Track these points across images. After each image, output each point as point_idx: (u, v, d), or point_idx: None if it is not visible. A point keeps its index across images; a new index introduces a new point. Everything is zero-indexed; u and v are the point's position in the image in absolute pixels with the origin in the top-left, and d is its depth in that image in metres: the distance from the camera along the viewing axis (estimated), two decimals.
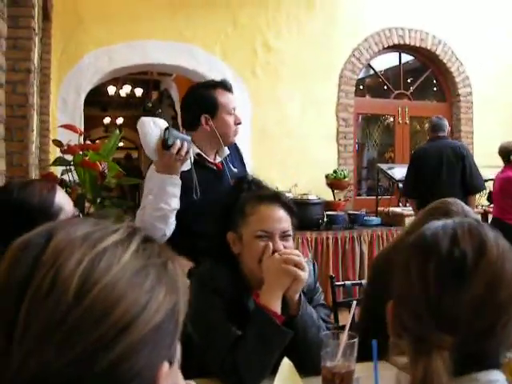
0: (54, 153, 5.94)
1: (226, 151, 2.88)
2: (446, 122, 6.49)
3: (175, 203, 2.53)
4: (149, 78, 12.38)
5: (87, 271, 0.69)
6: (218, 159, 2.87)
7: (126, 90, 13.17)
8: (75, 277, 0.68)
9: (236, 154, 3.02)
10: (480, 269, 1.02)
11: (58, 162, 2.78)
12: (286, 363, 1.75)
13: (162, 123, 2.52)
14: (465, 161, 6.09)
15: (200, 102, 2.80)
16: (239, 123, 2.87)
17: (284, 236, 2.02)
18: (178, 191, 2.53)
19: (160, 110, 13.55)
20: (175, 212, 2.55)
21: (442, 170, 6.06)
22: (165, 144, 2.43)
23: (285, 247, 2.00)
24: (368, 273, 2.58)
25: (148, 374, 0.71)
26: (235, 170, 2.89)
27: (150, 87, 13.29)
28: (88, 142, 3.43)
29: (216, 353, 1.89)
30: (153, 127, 2.48)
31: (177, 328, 0.77)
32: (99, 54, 6.64)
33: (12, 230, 1.44)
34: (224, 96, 2.81)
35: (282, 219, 2.03)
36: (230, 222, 2.06)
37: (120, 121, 16.92)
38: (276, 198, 2.06)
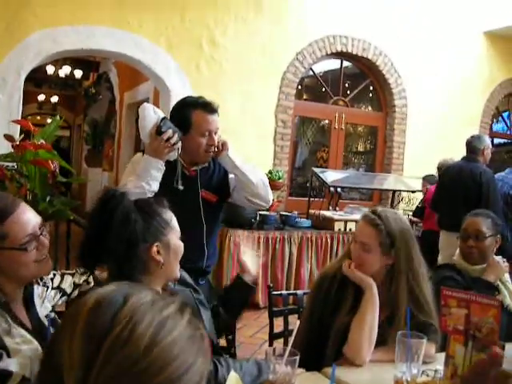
0: None
1: (204, 164, 3.05)
2: (479, 143, 6.08)
3: (155, 186, 2.78)
4: (89, 59, 12.19)
5: (156, 331, 0.85)
6: (195, 167, 3.02)
7: (65, 70, 12.91)
8: (147, 334, 0.84)
9: (222, 172, 3.14)
10: None
11: (10, 157, 2.76)
12: (232, 376, 1.85)
13: (161, 113, 2.88)
14: (482, 188, 5.78)
15: (176, 117, 2.96)
16: (211, 145, 2.95)
17: None
18: (159, 176, 2.80)
19: (101, 97, 13.36)
20: (153, 194, 2.74)
21: (458, 192, 5.91)
22: (158, 130, 2.78)
23: None
24: (313, 287, 2.69)
25: None
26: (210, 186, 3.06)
27: (90, 68, 13.07)
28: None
29: None
30: (152, 113, 2.84)
31: None
32: (44, 35, 6.50)
33: None
34: (200, 117, 2.93)
35: None
36: (149, 236, 1.97)
37: (55, 99, 16.57)
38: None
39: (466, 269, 3.25)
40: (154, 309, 0.89)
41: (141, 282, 1.93)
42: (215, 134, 2.96)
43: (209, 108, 2.96)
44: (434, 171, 7.47)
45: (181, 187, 2.89)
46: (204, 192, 3.00)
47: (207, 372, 0.91)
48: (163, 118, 2.83)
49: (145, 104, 2.92)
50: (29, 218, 1.83)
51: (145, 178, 2.76)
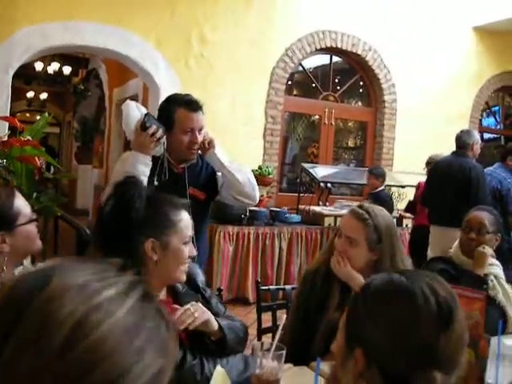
0: None
1: (191, 161, 3.05)
2: (468, 138, 6.06)
3: (143, 181, 2.75)
4: (78, 56, 12.14)
5: (77, 323, 0.67)
6: (183, 165, 3.03)
7: (54, 67, 12.84)
8: (65, 327, 0.67)
9: (210, 170, 3.14)
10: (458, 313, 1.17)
11: None
12: (219, 371, 1.86)
13: (144, 109, 2.93)
14: (471, 183, 5.76)
15: (161, 115, 3.01)
16: (194, 143, 2.95)
17: None
18: (147, 171, 2.83)
19: (90, 93, 13.33)
20: None
21: (448, 187, 5.89)
22: (143, 125, 2.81)
23: None
24: (300, 283, 2.68)
25: None
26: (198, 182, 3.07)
27: (79, 65, 13.02)
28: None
29: None
30: (135, 110, 2.89)
31: None
32: (32, 31, 6.46)
33: None
34: (183, 115, 2.94)
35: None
36: (147, 229, 1.99)
37: (44, 96, 16.50)
38: (184, 204, 2.13)
39: (462, 262, 3.27)
40: (82, 294, 0.70)
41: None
42: (199, 132, 2.96)
43: (192, 106, 2.96)
44: (423, 165, 7.46)
45: (156, 183, 2.89)
46: (192, 189, 3.00)
47: (169, 368, 0.75)
48: (146, 114, 2.87)
49: (128, 101, 2.96)
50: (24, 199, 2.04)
51: (132, 173, 2.74)
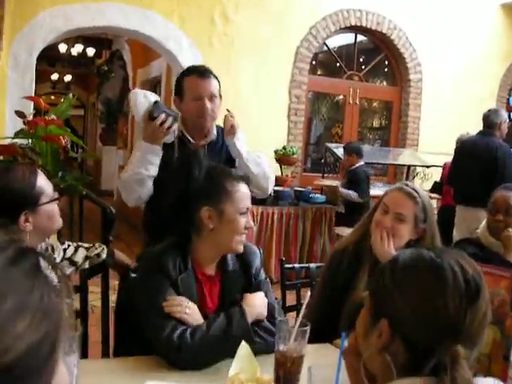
0: (3, 113, 5.86)
1: (212, 137, 2.98)
2: (496, 118, 5.99)
3: (153, 170, 2.79)
4: (102, 37, 12.16)
5: None
6: (203, 142, 2.97)
7: (77, 48, 12.88)
8: None
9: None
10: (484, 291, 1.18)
11: (22, 134, 2.78)
12: (243, 346, 1.87)
13: (153, 97, 2.85)
14: (498, 163, 5.72)
15: (175, 86, 2.97)
16: (204, 109, 2.86)
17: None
18: (157, 160, 2.80)
19: (113, 75, 13.35)
20: (152, 178, 2.80)
21: (474, 166, 5.83)
22: (151, 115, 2.74)
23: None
24: (327, 261, 2.67)
25: None
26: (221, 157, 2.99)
27: (102, 46, 13.05)
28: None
29: (157, 330, 1.96)
30: (143, 99, 2.82)
31: (50, 359, 0.67)
32: (55, 13, 6.48)
33: None
34: (192, 82, 2.87)
35: (250, 197, 2.22)
36: (205, 197, 2.13)
37: (68, 78, 16.57)
38: (244, 177, 2.24)
39: (491, 244, 3.21)
40: None
41: (192, 241, 2.15)
42: (210, 99, 2.87)
43: (200, 72, 2.90)
44: (449, 146, 7.37)
45: (176, 155, 2.87)
46: None
47: (53, 336, 0.67)
48: (155, 103, 2.80)
49: (135, 90, 2.93)
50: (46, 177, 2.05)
51: (143, 164, 2.77)
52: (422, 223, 2.43)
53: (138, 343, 2.11)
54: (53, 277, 0.71)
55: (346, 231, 6.49)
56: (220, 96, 2.95)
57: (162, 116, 2.75)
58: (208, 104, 2.85)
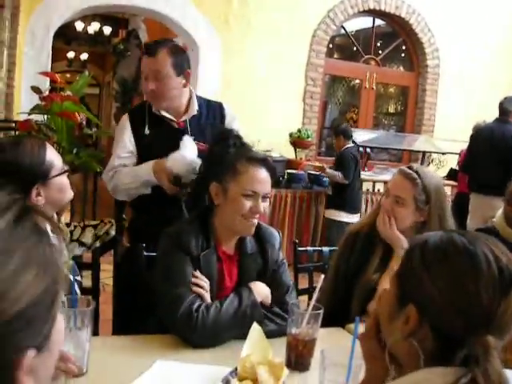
0: (18, 89, 5.86)
1: (193, 112, 2.78)
2: (509, 105, 5.93)
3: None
4: (118, 16, 12.12)
5: None
6: (183, 118, 2.78)
7: (94, 27, 12.86)
8: None
9: (217, 117, 2.89)
10: None
11: (37, 109, 2.77)
12: (255, 328, 1.86)
13: (192, 167, 2.53)
14: None
15: None
16: (145, 89, 2.69)
17: (265, 197, 2.12)
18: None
19: (129, 54, 13.31)
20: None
21: (490, 154, 5.77)
22: (176, 181, 2.56)
23: (263, 207, 2.11)
24: (340, 244, 2.66)
25: (5, 362, 0.66)
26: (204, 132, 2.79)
27: (119, 25, 13.02)
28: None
29: (175, 303, 1.97)
30: (182, 159, 2.54)
31: (50, 311, 0.71)
32: None
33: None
34: (142, 61, 2.71)
35: (267, 182, 2.12)
36: (215, 173, 2.13)
37: (84, 56, 16.55)
38: (265, 161, 2.15)
39: (509, 235, 3.15)
40: None
41: (211, 218, 2.16)
42: (154, 79, 2.65)
43: (147, 49, 2.69)
44: (465, 133, 7.31)
45: (147, 131, 2.72)
46: (197, 143, 2.67)
47: (59, 285, 0.72)
48: (193, 169, 2.53)
49: (189, 138, 2.63)
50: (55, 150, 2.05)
51: (139, 183, 2.68)
52: (423, 205, 2.39)
53: (144, 321, 2.12)
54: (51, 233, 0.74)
55: (332, 213, 6.51)
56: (182, 73, 2.70)
57: (183, 190, 2.58)
58: (151, 85, 2.65)
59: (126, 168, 2.72)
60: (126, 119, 2.81)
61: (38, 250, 0.70)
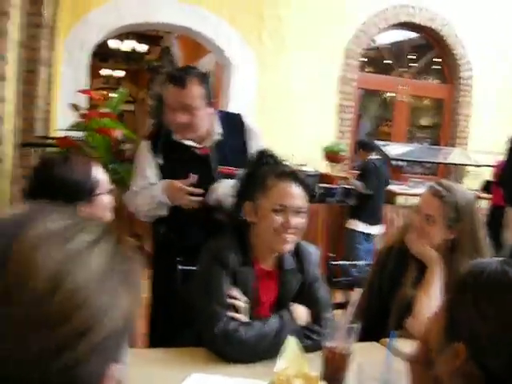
0: (55, 107, 5.96)
1: (215, 136, 2.71)
2: None
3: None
4: (151, 34, 12.27)
5: (54, 273, 0.65)
6: (206, 144, 2.71)
7: (128, 45, 13.03)
8: (40, 277, 0.65)
9: (241, 144, 2.80)
10: None
11: (76, 127, 2.84)
12: (291, 340, 1.87)
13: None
14: None
15: None
16: (175, 121, 2.62)
17: (298, 212, 2.11)
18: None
19: (163, 70, 13.48)
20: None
21: None
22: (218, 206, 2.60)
23: (296, 222, 2.10)
24: (374, 259, 2.66)
25: (97, 375, 0.70)
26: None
27: (153, 42, 13.18)
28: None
29: (213, 319, 1.98)
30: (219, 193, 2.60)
31: (129, 329, 0.74)
32: (107, 9, 6.59)
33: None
34: (167, 91, 2.64)
35: (298, 196, 2.11)
36: (248, 192, 2.15)
37: (119, 74, 16.76)
38: (295, 175, 2.14)
39: None
40: (58, 240, 0.69)
41: (249, 235, 2.16)
42: (184, 111, 2.58)
43: (174, 79, 2.61)
44: (500, 145, 7.22)
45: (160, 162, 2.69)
46: (222, 168, 2.68)
47: (135, 310, 0.75)
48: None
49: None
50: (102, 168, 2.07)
51: (158, 206, 2.69)
52: (454, 223, 2.36)
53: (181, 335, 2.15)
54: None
55: (354, 224, 6.51)
56: (210, 103, 2.66)
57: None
58: (180, 117, 2.60)
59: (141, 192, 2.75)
60: (145, 146, 2.77)
61: (130, 274, 0.75)
